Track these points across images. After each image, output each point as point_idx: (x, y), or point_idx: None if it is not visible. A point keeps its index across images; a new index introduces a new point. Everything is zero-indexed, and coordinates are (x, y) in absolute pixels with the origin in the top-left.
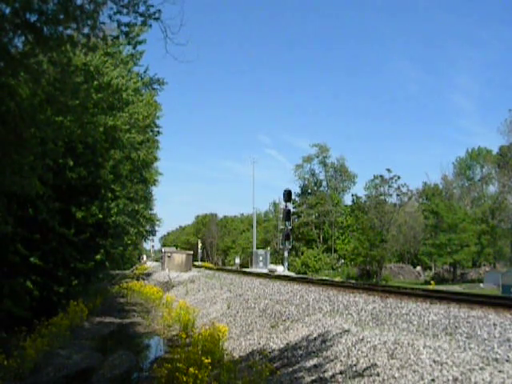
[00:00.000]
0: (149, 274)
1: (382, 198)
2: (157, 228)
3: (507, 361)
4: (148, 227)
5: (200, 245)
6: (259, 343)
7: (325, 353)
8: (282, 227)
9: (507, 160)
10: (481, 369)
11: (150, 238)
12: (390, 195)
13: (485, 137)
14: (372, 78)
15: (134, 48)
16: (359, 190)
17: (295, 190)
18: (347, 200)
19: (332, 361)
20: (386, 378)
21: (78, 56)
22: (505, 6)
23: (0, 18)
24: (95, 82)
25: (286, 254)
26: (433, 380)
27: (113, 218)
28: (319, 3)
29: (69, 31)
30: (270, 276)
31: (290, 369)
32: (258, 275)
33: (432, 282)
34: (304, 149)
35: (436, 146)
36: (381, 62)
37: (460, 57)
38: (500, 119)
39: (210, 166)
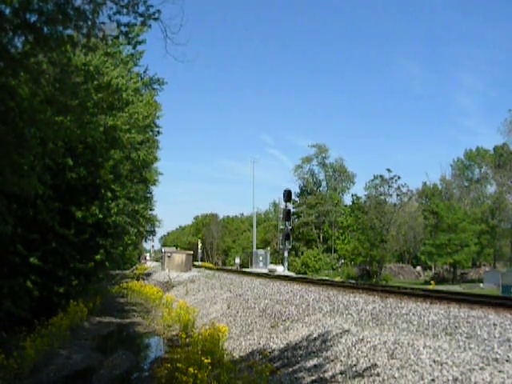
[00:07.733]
0: (149, 274)
1: (382, 198)
2: (157, 228)
3: (507, 361)
4: (148, 227)
5: (200, 245)
6: (259, 343)
7: (325, 353)
8: (282, 227)
9: (504, 160)
10: (481, 369)
11: (150, 238)
12: (390, 195)
13: (488, 137)
14: (375, 77)
15: (134, 48)
16: (359, 190)
17: (295, 190)
18: (347, 200)
19: (332, 361)
20: (385, 377)
21: (77, 56)
22: (509, 5)
23: (0, 18)
24: (95, 82)
25: (285, 254)
26: (433, 380)
27: (113, 218)
28: (322, 2)
29: (69, 31)
30: (270, 276)
31: (290, 369)
32: (258, 275)
33: (432, 281)
34: (306, 148)
35: (437, 145)
36: (384, 61)
37: (464, 56)
38: (503, 119)
39: (212, 165)
